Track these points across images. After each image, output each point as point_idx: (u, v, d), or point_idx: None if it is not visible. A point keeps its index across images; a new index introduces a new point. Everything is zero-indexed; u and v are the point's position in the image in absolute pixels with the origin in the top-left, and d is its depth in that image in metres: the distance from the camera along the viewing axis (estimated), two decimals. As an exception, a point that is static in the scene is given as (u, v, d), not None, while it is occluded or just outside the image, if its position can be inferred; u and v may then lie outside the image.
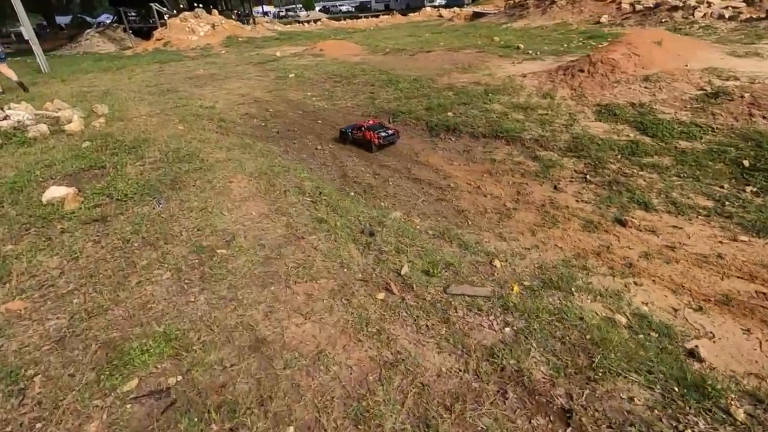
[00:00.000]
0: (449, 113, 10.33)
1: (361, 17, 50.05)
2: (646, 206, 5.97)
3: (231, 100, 14.10)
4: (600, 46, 14.93)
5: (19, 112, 10.53)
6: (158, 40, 32.88)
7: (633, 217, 5.73)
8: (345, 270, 4.24)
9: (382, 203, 6.76)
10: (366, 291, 3.91)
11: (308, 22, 46.99)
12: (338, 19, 48.77)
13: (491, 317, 3.51)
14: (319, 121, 11.62)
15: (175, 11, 39.15)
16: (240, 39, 32.76)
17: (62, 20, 65.17)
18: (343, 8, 75.98)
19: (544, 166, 7.38)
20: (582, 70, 9.75)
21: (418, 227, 5.78)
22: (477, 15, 35.07)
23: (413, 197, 7.00)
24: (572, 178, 6.91)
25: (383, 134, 8.91)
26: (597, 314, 3.74)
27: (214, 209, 5.43)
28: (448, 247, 5.12)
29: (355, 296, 3.81)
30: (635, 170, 6.83)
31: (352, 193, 7.19)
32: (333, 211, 5.61)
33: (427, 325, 3.41)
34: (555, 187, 6.74)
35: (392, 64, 17.01)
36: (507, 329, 3.36)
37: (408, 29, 34.35)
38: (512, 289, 3.92)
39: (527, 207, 6.33)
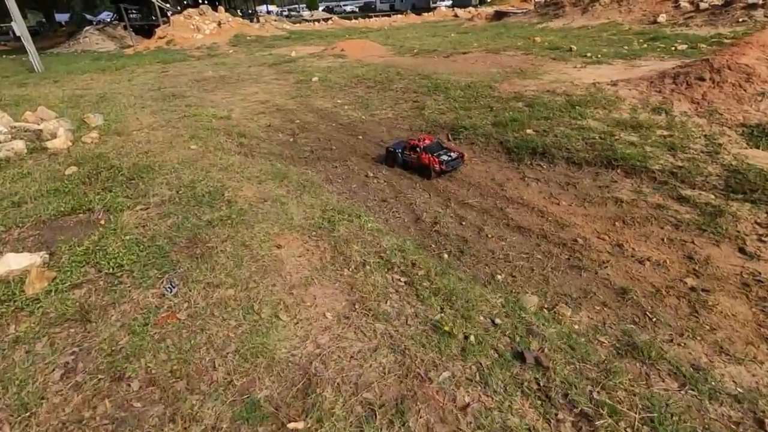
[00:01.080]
0: (528, 130, 8.26)
1: (371, 17, 48.02)
2: None
3: (248, 108, 12.02)
4: (707, 48, 12.91)
5: (-11, 126, 8.45)
6: (160, 38, 30.81)
7: None
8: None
9: (496, 274, 4.67)
10: None
11: (317, 21, 44.93)
12: (349, 19, 46.70)
13: None
14: (359, 137, 9.54)
15: (178, 8, 37.11)
16: (248, 38, 30.70)
17: (62, 17, 63.20)
18: (348, 8, 74.07)
19: (704, 214, 5.29)
20: (702, 79, 7.69)
21: (578, 328, 3.69)
22: (500, 15, 33.04)
23: (534, 262, 4.91)
24: (761, 235, 4.83)
25: (446, 158, 7.30)
26: None
27: (262, 309, 3.34)
28: (660, 381, 3.03)
29: None
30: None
31: (445, 255, 5.11)
32: (447, 303, 3.54)
33: None
34: (742, 250, 4.66)
35: (429, 66, 14.93)
36: None
37: (427, 29, 32.33)
38: None
39: (721, 286, 4.24)
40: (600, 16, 20.24)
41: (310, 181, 6.79)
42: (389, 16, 46.96)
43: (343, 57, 18.61)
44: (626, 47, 14.96)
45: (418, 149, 7.41)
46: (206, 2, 34.90)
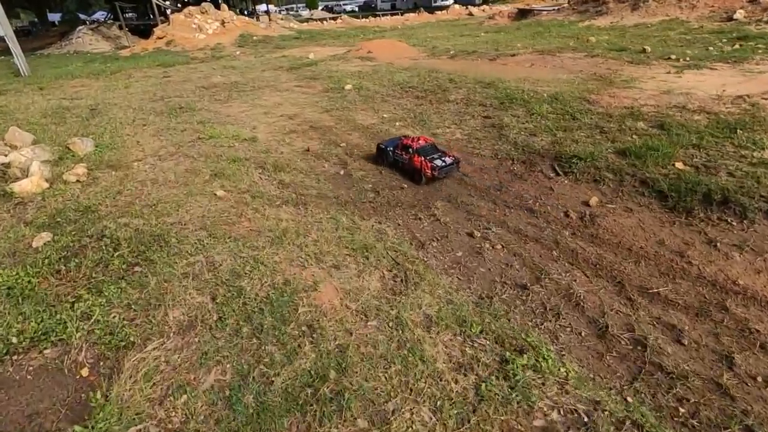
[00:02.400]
0: (678, 164, 6.02)
1: (378, 15, 45.67)
2: None
3: (275, 124, 9.70)
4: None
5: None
6: (159, 38, 28.40)
7: None
8: None
9: None
10: None
11: (324, 20, 42.58)
12: (357, 17, 44.34)
13: None
14: None
15: (178, 5, 34.71)
16: (254, 38, 28.34)
17: (54, 17, 60.59)
18: (348, 7, 71.64)
19: None
20: None
21: None
22: (523, 12, 30.81)
23: None
24: None
25: (439, 163, 6.62)
26: None
27: None
28: None
29: None
30: None
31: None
32: None
33: None
34: None
35: (481, 71, 12.67)
36: None
37: (446, 28, 30.05)
38: None
39: None
40: (656, 12, 18.03)
41: (404, 255, 4.50)
42: (393, 14, 44.65)
43: (371, 59, 16.32)
44: (711, 48, 12.75)
45: (410, 150, 6.74)
46: (208, 0, 32.48)
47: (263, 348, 2.81)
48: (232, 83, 14.37)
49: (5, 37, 20.28)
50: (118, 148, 7.75)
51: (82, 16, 59.21)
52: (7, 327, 3.11)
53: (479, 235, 5.29)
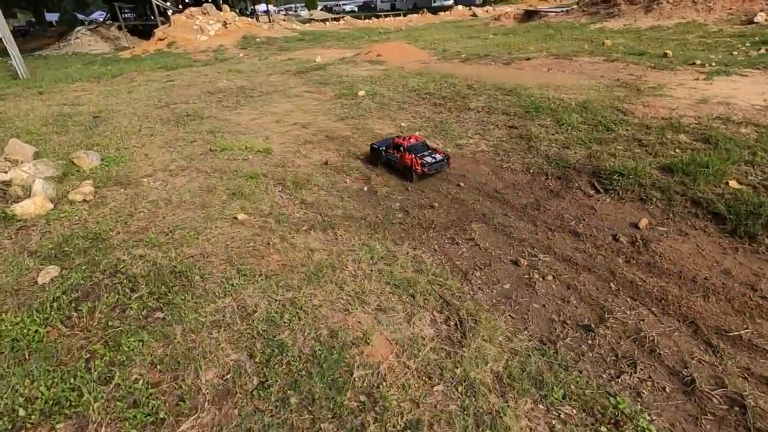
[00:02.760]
0: (732, 182, 5.61)
1: (380, 16, 45.22)
2: None
3: (288, 134, 9.25)
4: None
5: None
6: (160, 39, 27.90)
7: None
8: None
9: None
10: None
11: (327, 20, 42.10)
12: (359, 18, 43.87)
13: None
14: (460, 183, 6.82)
15: (179, 6, 34.21)
16: (257, 39, 27.87)
17: (52, 17, 59.95)
18: (347, 7, 71.16)
19: None
20: None
21: None
22: (530, 14, 30.41)
23: None
24: None
25: (429, 160, 6.82)
26: None
27: None
28: None
29: None
30: None
31: None
32: None
33: None
34: None
35: (498, 76, 12.25)
36: None
37: (451, 30, 29.62)
38: None
39: None
40: (672, 15, 17.63)
41: (450, 291, 4.06)
42: (396, 15, 44.19)
43: (381, 63, 15.87)
44: (735, 53, 12.35)
45: (401, 148, 6.94)
46: (209, 0, 31.97)
47: (318, 426, 2.37)
48: (239, 88, 13.91)
49: (2, 39, 19.75)
50: (126, 161, 7.29)
51: (80, 16, 58.56)
52: (13, 393, 2.65)
53: (525, 263, 4.85)
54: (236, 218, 5.06)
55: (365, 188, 6.81)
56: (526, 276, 4.68)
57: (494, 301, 4.27)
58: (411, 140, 7.03)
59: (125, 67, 20.00)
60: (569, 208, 6.03)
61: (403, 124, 9.54)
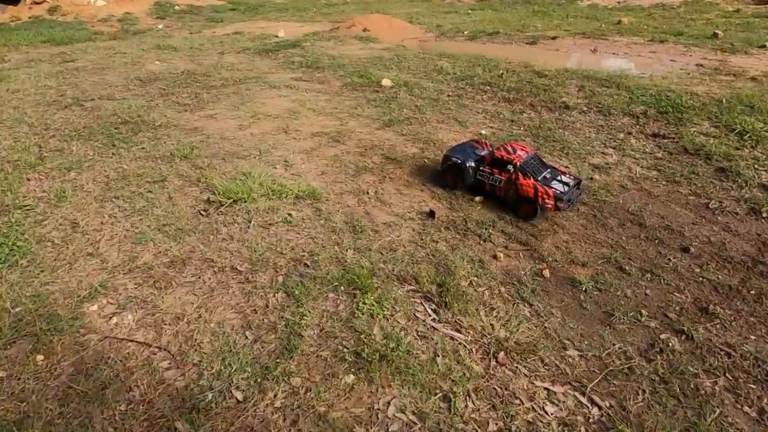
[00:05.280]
0: None
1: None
2: None
3: (318, 154, 5.68)
4: None
5: None
6: (36, 3, 20.82)
7: None
8: None
9: None
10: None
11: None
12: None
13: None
14: (663, 241, 4.05)
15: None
16: (177, 7, 22.04)
17: None
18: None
19: None
20: None
21: None
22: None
23: None
24: None
25: (560, 188, 4.35)
26: None
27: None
28: None
29: None
30: None
31: None
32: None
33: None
34: None
35: (546, 59, 9.61)
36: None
37: (418, 4, 26.23)
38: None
39: None
40: (669, -8, 16.39)
41: None
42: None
43: (374, 40, 12.32)
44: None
45: (510, 167, 4.52)
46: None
47: None
48: (185, 73, 9.56)
49: None
50: (26, 255, 3.32)
51: None
52: None
53: None
54: None
55: (543, 272, 3.71)
56: None
57: None
58: (518, 152, 4.62)
59: (-13, 41, 13.83)
60: None
61: (482, 131, 6.47)
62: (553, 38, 12.19)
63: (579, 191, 4.65)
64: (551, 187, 4.28)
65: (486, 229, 4.25)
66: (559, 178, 4.51)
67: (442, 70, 8.87)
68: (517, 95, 7.51)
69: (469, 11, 19.67)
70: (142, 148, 5.53)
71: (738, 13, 13.78)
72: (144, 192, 4.37)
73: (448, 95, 7.74)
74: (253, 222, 3.88)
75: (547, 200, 4.22)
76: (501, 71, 8.41)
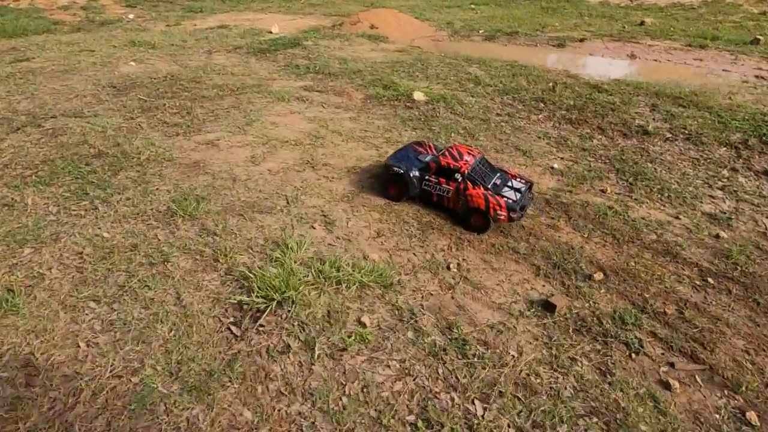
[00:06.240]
0: None
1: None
2: None
3: (363, 203, 4.36)
4: None
5: None
6: (-18, -14, 18.20)
7: None
8: None
9: None
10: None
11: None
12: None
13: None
14: None
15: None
16: (147, -6, 19.86)
17: None
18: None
19: None
20: None
21: None
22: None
23: None
24: None
25: (512, 196, 4.07)
26: None
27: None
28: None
29: None
30: None
31: None
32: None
33: None
34: None
35: (590, 66, 8.50)
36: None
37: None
38: None
39: None
40: (685, -9, 15.58)
41: None
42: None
43: (384, 40, 10.91)
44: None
45: (457, 175, 4.13)
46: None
47: None
48: (168, 78, 7.96)
49: None
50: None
51: None
52: None
53: None
54: None
55: (747, 415, 2.56)
56: None
57: None
58: (465, 157, 4.29)
59: None
60: None
61: (555, 165, 5.28)
62: (581, 40, 11.11)
63: (531, 195, 4.40)
64: (503, 196, 4.02)
65: (629, 330, 3.07)
66: (509, 183, 4.23)
67: (479, 81, 7.62)
68: (579, 115, 6.35)
69: (473, 6, 18.39)
70: (127, 198, 4.06)
71: (765, 16, 13.07)
72: (138, 287, 2.96)
73: (497, 114, 6.51)
74: (317, 349, 2.55)
75: (499, 211, 3.96)
76: (551, 83, 7.22)
